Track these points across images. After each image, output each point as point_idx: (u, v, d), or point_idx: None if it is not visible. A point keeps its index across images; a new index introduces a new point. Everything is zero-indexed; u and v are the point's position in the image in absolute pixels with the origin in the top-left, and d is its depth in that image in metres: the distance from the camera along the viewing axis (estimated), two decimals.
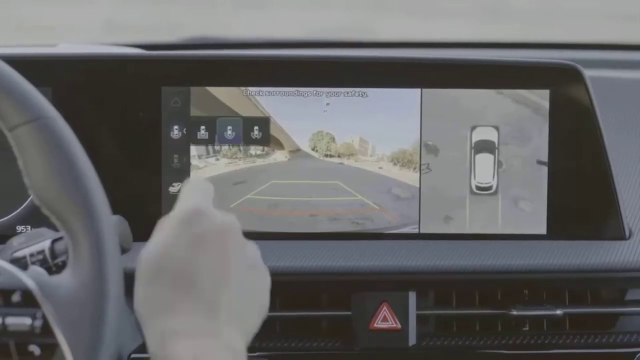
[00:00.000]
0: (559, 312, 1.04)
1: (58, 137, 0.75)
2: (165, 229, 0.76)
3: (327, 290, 1.05)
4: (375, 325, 1.03)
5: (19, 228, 1.05)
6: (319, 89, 1.06)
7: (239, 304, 0.75)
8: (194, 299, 0.73)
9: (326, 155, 1.07)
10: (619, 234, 1.07)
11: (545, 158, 1.06)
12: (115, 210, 0.78)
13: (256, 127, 1.06)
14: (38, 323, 0.72)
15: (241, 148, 1.07)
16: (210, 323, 0.73)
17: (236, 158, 1.06)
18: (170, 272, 0.74)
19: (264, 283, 0.79)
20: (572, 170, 1.07)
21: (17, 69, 0.77)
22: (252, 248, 0.78)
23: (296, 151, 1.07)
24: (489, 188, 1.07)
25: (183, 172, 1.06)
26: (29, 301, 0.73)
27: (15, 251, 0.80)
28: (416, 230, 1.07)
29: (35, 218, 1.03)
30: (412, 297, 1.03)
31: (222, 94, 1.06)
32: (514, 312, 1.04)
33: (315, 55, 1.10)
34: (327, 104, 1.06)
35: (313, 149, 1.06)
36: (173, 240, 0.75)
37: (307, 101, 1.06)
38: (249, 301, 0.77)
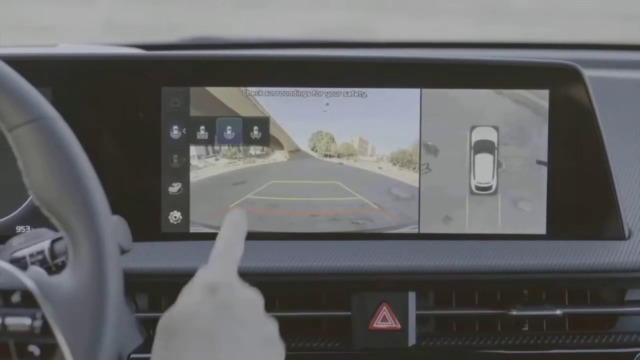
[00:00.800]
0: (558, 312, 1.04)
1: (58, 137, 0.75)
2: (191, 293, 0.78)
3: (326, 290, 1.05)
4: (374, 325, 1.03)
5: (19, 228, 1.05)
6: (318, 89, 1.06)
7: None
8: (206, 353, 0.75)
9: (326, 156, 1.07)
10: (619, 234, 1.07)
11: (544, 158, 1.06)
12: (115, 210, 0.78)
13: (256, 127, 1.06)
14: (38, 323, 0.72)
15: (241, 148, 1.07)
16: None
17: (236, 158, 1.07)
18: (190, 332, 0.75)
19: (279, 356, 0.80)
20: (572, 170, 1.07)
21: (17, 69, 0.77)
22: (272, 323, 0.80)
23: (296, 151, 1.07)
24: (489, 188, 1.07)
25: (182, 172, 1.06)
26: (28, 301, 0.73)
27: (15, 251, 0.80)
28: (416, 231, 1.07)
29: (35, 218, 1.03)
30: (411, 297, 1.03)
31: (222, 94, 1.06)
32: (514, 312, 1.04)
33: (315, 55, 1.10)
34: (327, 104, 1.06)
35: (313, 149, 1.07)
36: (197, 306, 0.77)
37: (307, 101, 1.06)
38: None
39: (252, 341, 0.77)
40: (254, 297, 0.80)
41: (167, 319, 0.77)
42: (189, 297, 0.78)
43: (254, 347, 0.77)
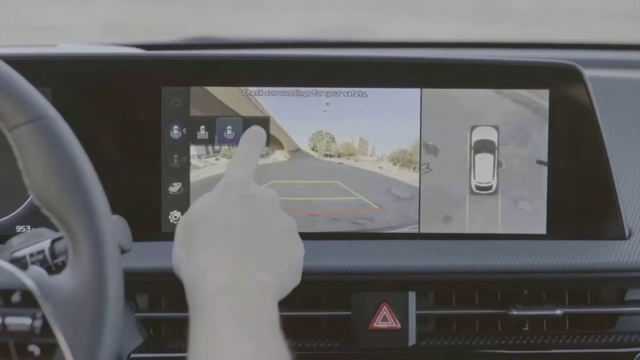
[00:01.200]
0: (558, 312, 1.04)
1: (58, 137, 0.75)
2: (209, 194, 0.86)
3: (327, 290, 1.05)
4: (375, 325, 1.03)
5: (19, 228, 1.05)
6: (318, 89, 1.06)
7: (274, 257, 0.83)
8: (228, 243, 0.81)
9: (326, 155, 1.07)
10: (619, 234, 1.07)
11: (545, 158, 1.06)
12: (115, 210, 0.78)
13: None
14: (38, 323, 0.72)
15: None
16: (241, 263, 0.80)
17: None
18: (210, 226, 0.82)
19: (298, 249, 0.87)
20: (572, 170, 1.07)
21: (17, 69, 0.77)
22: (290, 219, 0.87)
23: (296, 151, 1.07)
24: (489, 188, 1.07)
25: (183, 172, 1.06)
26: (28, 301, 0.73)
27: (15, 251, 0.80)
28: (416, 230, 1.07)
29: (35, 218, 1.03)
30: (411, 297, 1.03)
31: (222, 94, 1.06)
32: (514, 312, 1.04)
33: (315, 55, 1.10)
34: (327, 104, 1.06)
35: (313, 149, 1.06)
36: (214, 200, 0.85)
37: (307, 101, 1.06)
38: (283, 257, 0.85)
39: (267, 230, 0.84)
40: (271, 194, 0.87)
41: (186, 218, 0.85)
42: (206, 196, 0.86)
43: (270, 235, 0.84)
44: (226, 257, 0.81)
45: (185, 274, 0.82)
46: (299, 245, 0.88)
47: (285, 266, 0.85)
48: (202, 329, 0.76)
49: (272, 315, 0.79)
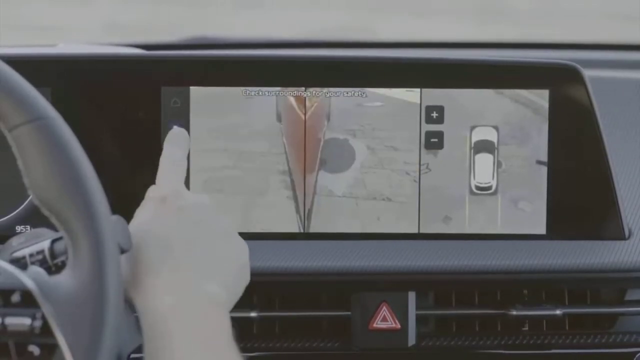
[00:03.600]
0: (558, 312, 1.04)
1: (58, 137, 0.75)
2: (142, 209, 0.84)
3: (327, 290, 1.05)
4: (374, 325, 1.03)
5: (19, 228, 1.05)
6: (318, 89, 1.06)
7: (220, 265, 0.82)
8: (173, 262, 0.79)
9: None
10: (619, 234, 1.07)
11: (544, 158, 1.06)
12: (115, 210, 0.78)
13: None
14: (37, 323, 0.72)
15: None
16: (188, 280, 0.79)
17: None
18: (148, 241, 0.80)
19: (241, 248, 0.85)
20: (572, 170, 1.07)
21: (16, 69, 0.77)
22: (225, 219, 0.85)
23: None
24: (489, 188, 1.07)
25: None
26: (28, 301, 0.73)
27: (15, 251, 0.80)
28: (416, 230, 1.07)
29: (35, 218, 1.03)
30: (411, 297, 1.03)
31: (222, 94, 1.06)
32: (514, 312, 1.04)
33: (315, 55, 1.10)
34: (327, 104, 1.06)
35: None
36: (150, 215, 0.83)
37: (307, 101, 1.06)
38: (229, 262, 0.83)
39: (208, 238, 0.82)
40: (203, 200, 0.85)
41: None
42: (142, 213, 0.84)
43: (212, 243, 0.82)
44: (173, 275, 0.79)
45: (134, 296, 0.80)
46: (242, 245, 0.86)
47: (232, 271, 0.84)
48: (158, 349, 0.76)
49: (226, 325, 0.78)
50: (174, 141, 0.90)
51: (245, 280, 0.86)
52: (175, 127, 0.98)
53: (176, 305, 0.78)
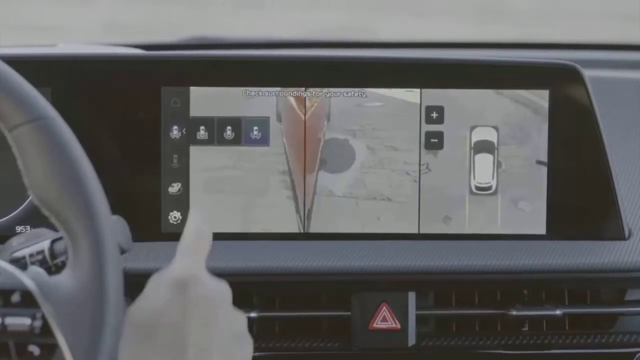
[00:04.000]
0: (558, 312, 1.04)
1: (58, 137, 0.75)
2: (160, 288, 0.78)
3: (327, 290, 1.05)
4: (374, 325, 1.03)
5: (19, 228, 1.05)
6: (318, 89, 1.06)
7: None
8: (185, 352, 0.76)
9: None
10: (619, 234, 1.07)
11: (544, 158, 1.06)
12: (115, 210, 0.78)
13: (256, 128, 1.06)
14: (37, 323, 0.72)
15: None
16: None
17: None
18: (160, 332, 0.76)
19: (247, 351, 0.82)
20: (572, 170, 1.07)
21: (16, 69, 0.77)
22: (240, 317, 0.81)
23: None
24: (489, 188, 1.07)
25: (182, 172, 1.06)
26: (28, 301, 0.73)
27: (15, 251, 0.80)
28: (416, 230, 1.07)
29: (35, 218, 1.03)
30: (411, 297, 1.03)
31: (222, 94, 1.06)
32: (514, 312, 1.04)
33: (315, 55, 1.10)
34: (327, 104, 1.06)
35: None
36: (166, 302, 0.77)
37: (307, 101, 1.06)
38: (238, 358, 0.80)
39: (220, 337, 0.78)
40: (223, 292, 0.80)
41: (137, 315, 0.78)
42: (158, 293, 0.78)
43: (222, 343, 0.78)
44: None
45: None
46: (249, 344, 0.83)
47: None
48: None
49: None
50: (200, 216, 0.83)
51: None
52: (197, 209, 0.86)
53: None
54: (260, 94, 1.06)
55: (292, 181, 1.06)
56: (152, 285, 0.79)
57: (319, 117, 1.06)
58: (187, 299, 0.77)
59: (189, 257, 0.80)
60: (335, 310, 1.04)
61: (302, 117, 1.06)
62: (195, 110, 1.06)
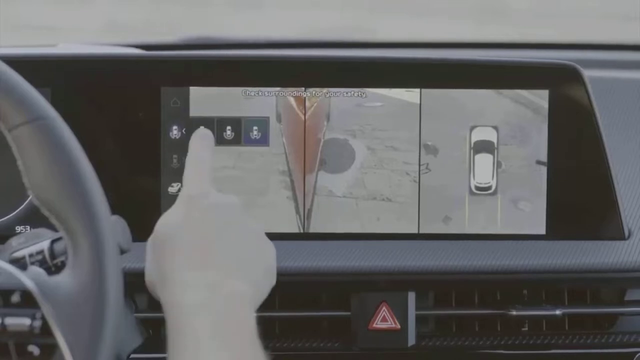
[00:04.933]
0: (558, 312, 1.04)
1: (57, 137, 0.75)
2: (173, 208, 0.85)
3: (326, 290, 1.05)
4: (374, 325, 1.03)
5: (18, 228, 1.05)
6: (318, 89, 1.06)
7: (248, 264, 0.83)
8: (202, 258, 0.81)
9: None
10: (619, 234, 1.07)
11: (544, 158, 1.06)
12: (114, 210, 0.78)
13: (255, 128, 1.06)
14: (37, 323, 0.72)
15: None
16: (217, 277, 0.80)
17: None
18: (179, 240, 0.82)
19: (269, 250, 0.87)
20: (572, 170, 1.07)
21: (16, 69, 0.77)
22: (254, 222, 0.87)
23: None
24: (488, 188, 1.07)
25: (182, 173, 1.06)
26: (28, 301, 0.73)
27: (15, 251, 0.80)
28: (415, 230, 1.07)
29: (35, 218, 1.03)
30: (411, 297, 1.03)
31: (222, 94, 1.06)
32: (513, 313, 1.04)
33: (315, 55, 1.10)
34: (327, 104, 1.06)
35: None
36: (180, 215, 0.84)
37: (307, 101, 1.06)
38: (257, 262, 0.85)
39: (237, 238, 0.83)
40: (233, 200, 0.86)
41: (154, 237, 0.84)
42: (170, 212, 0.85)
43: (240, 242, 0.83)
44: (201, 272, 0.80)
45: (161, 292, 0.81)
46: (270, 247, 0.88)
47: (260, 271, 0.85)
48: (182, 345, 0.77)
49: (251, 324, 0.79)
50: (199, 141, 0.91)
51: (272, 281, 0.87)
52: (201, 127, 1.01)
53: (204, 301, 0.78)
54: (260, 94, 1.06)
55: (292, 181, 1.06)
56: (168, 212, 0.86)
57: (318, 117, 1.06)
58: (199, 208, 0.83)
59: (194, 179, 0.87)
60: (335, 310, 1.05)
61: (302, 117, 1.06)
62: (195, 110, 1.06)
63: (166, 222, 0.84)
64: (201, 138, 0.92)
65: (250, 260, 0.84)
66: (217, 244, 0.82)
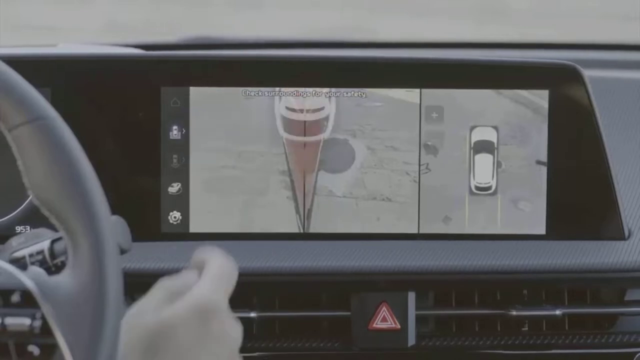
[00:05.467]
0: (558, 312, 1.04)
1: (57, 137, 0.75)
2: (175, 304, 0.76)
3: (326, 290, 1.05)
4: (374, 325, 1.03)
5: (18, 228, 1.05)
6: (318, 89, 1.06)
7: None
8: None
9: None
10: (619, 234, 1.07)
11: (544, 158, 1.06)
12: (115, 210, 0.78)
13: (255, 127, 1.06)
14: (37, 323, 0.72)
15: None
16: None
17: None
18: (166, 351, 0.75)
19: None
20: (572, 170, 1.07)
21: (16, 69, 0.77)
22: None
23: None
24: (488, 188, 1.07)
25: (182, 172, 1.06)
26: (28, 301, 0.73)
27: (15, 251, 0.80)
28: (415, 231, 1.07)
29: (35, 218, 1.03)
30: (411, 297, 1.03)
31: (222, 94, 1.06)
32: (513, 313, 1.04)
33: (315, 55, 1.10)
34: (327, 104, 1.06)
35: None
36: (185, 325, 0.76)
37: (307, 101, 1.06)
38: None
39: None
40: (236, 333, 0.78)
41: (152, 328, 0.76)
42: (178, 311, 0.76)
43: None
44: None
45: None
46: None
47: None
48: None
49: None
50: (226, 259, 0.81)
51: None
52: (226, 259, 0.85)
53: None
54: (259, 93, 1.06)
55: (292, 181, 1.06)
56: (161, 294, 0.77)
57: (318, 117, 1.06)
58: (205, 331, 0.76)
59: (215, 285, 0.78)
60: (335, 310, 1.05)
61: (302, 117, 1.06)
62: (195, 110, 1.06)
63: (169, 322, 0.75)
64: (224, 268, 0.80)
65: None
66: None
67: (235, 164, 1.06)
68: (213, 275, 0.78)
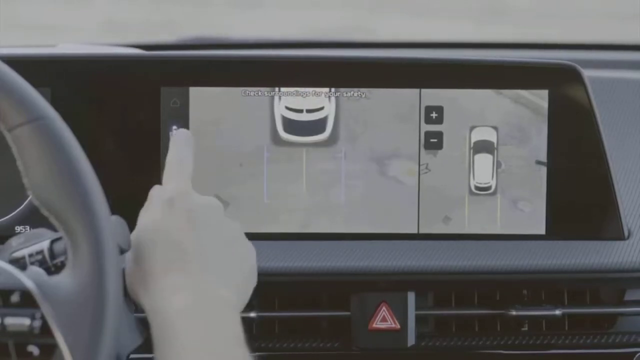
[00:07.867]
0: (557, 312, 1.04)
1: (57, 137, 0.75)
2: (152, 209, 0.84)
3: (326, 290, 1.05)
4: (374, 325, 1.03)
5: (18, 228, 1.05)
6: (318, 89, 1.06)
7: (231, 269, 0.82)
8: (185, 263, 0.80)
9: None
10: (618, 234, 1.07)
11: (544, 158, 1.06)
12: (114, 210, 0.78)
13: (255, 127, 1.06)
14: (37, 323, 0.72)
15: None
16: (201, 282, 0.79)
17: None
18: (157, 245, 0.81)
19: (249, 251, 0.86)
20: (572, 171, 1.07)
21: (16, 69, 0.77)
22: (235, 224, 0.86)
23: None
24: (488, 188, 1.07)
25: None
26: (28, 301, 0.73)
27: (14, 251, 0.80)
28: (415, 231, 1.07)
29: (34, 218, 1.03)
30: (411, 297, 1.04)
31: (222, 94, 1.06)
32: (513, 313, 1.04)
33: (315, 55, 1.10)
34: (328, 104, 1.06)
35: None
36: (159, 217, 0.83)
37: (307, 101, 1.06)
38: (238, 265, 0.84)
39: (218, 241, 0.82)
40: (213, 202, 0.85)
41: (133, 238, 0.82)
42: (149, 214, 0.84)
43: (221, 245, 0.82)
44: (183, 277, 0.79)
45: (144, 297, 0.80)
46: (250, 247, 0.87)
47: (242, 275, 0.84)
48: (168, 352, 0.76)
49: (237, 328, 0.78)
50: (180, 142, 0.90)
51: (253, 282, 0.86)
52: (180, 129, 1.01)
53: (186, 306, 0.78)
54: (259, 94, 1.06)
55: (292, 181, 1.06)
56: (142, 212, 0.85)
57: (318, 117, 1.06)
58: (178, 212, 0.82)
59: (174, 180, 0.86)
60: (335, 311, 1.05)
61: (302, 117, 1.06)
62: (195, 110, 1.06)
63: (147, 224, 0.83)
64: (181, 138, 0.91)
65: (233, 265, 0.83)
66: (201, 249, 0.81)
67: (235, 164, 1.06)
68: (168, 174, 0.87)
